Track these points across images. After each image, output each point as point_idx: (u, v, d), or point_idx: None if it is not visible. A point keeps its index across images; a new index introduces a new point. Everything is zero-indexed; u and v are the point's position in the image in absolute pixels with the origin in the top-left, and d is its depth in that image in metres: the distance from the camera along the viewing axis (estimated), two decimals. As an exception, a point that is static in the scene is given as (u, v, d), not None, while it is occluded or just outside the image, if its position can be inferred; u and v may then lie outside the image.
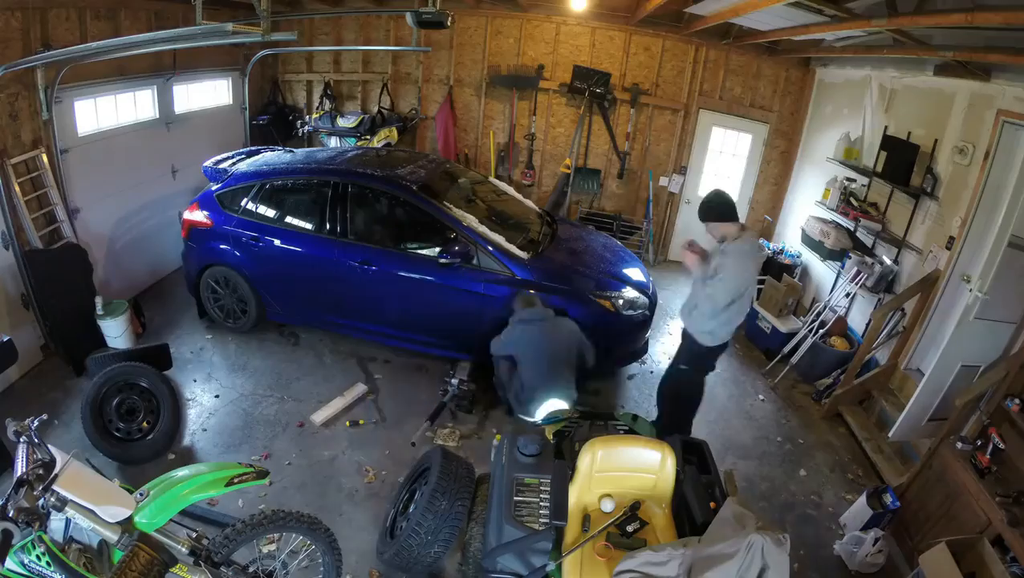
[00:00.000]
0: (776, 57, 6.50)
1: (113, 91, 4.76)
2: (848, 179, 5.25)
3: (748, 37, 5.95)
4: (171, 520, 2.12)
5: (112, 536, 1.94)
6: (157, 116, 5.29)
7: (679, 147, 7.04)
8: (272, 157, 4.99)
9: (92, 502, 1.89)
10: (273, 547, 2.81)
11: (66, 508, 1.85)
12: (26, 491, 1.78)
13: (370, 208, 4.51)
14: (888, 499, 3.36)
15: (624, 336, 4.36)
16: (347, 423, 4.03)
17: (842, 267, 5.17)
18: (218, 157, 4.99)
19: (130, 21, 4.77)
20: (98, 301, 4.31)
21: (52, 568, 1.82)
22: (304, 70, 7.18)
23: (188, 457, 3.63)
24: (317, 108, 7.12)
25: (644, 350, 4.67)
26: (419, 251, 4.32)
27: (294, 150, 5.34)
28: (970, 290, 3.70)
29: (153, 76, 5.11)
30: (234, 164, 4.85)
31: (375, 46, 6.92)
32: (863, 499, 3.44)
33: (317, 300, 4.59)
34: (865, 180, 5.07)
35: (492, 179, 5.64)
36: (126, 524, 1.99)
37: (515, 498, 2.52)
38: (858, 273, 4.77)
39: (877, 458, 4.04)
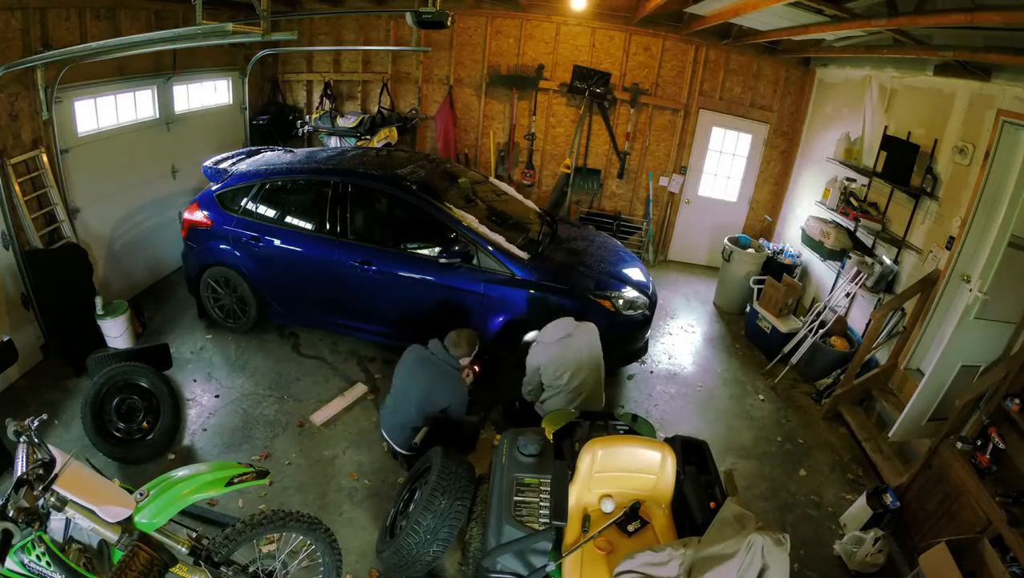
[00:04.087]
0: (776, 57, 6.50)
1: (113, 91, 4.76)
2: (848, 179, 5.25)
3: (748, 37, 5.96)
4: (171, 520, 2.12)
5: (112, 536, 1.94)
6: (157, 116, 5.29)
7: (679, 147, 7.04)
8: (272, 157, 4.98)
9: (92, 502, 1.89)
10: (273, 547, 2.81)
11: (66, 508, 1.86)
12: (26, 491, 1.79)
13: (370, 208, 4.51)
14: (888, 499, 3.36)
15: (624, 336, 4.36)
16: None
17: (842, 267, 5.17)
18: (218, 157, 4.99)
19: (130, 21, 4.77)
20: (98, 301, 4.31)
21: (52, 568, 1.83)
22: (304, 70, 7.18)
23: (188, 457, 3.63)
24: (317, 108, 7.12)
25: (644, 350, 4.67)
26: (419, 251, 4.32)
27: (294, 150, 5.34)
28: (970, 290, 3.70)
29: (153, 76, 5.11)
30: (234, 164, 4.85)
31: (375, 46, 6.92)
32: (863, 499, 3.44)
33: (317, 300, 4.58)
34: (865, 180, 5.07)
35: (492, 179, 5.64)
36: (126, 524, 1.99)
37: (515, 498, 2.52)
38: (858, 273, 4.77)
39: (877, 458, 4.04)
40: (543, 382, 3.56)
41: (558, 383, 3.50)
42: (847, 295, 5.01)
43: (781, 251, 6.25)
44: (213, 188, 4.66)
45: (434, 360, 3.39)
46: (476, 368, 3.66)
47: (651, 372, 5.02)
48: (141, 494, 2.08)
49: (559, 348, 3.52)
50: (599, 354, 3.64)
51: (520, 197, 5.43)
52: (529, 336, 3.76)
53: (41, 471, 1.87)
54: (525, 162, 7.25)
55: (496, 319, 4.22)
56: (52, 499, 1.83)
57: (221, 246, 4.56)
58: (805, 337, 4.96)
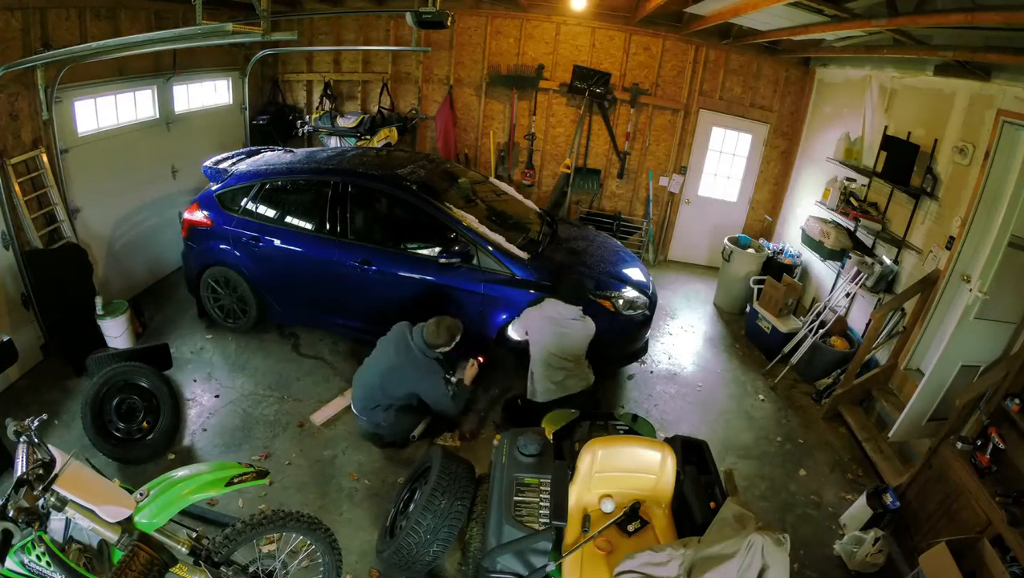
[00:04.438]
0: (776, 57, 6.50)
1: (113, 91, 4.76)
2: (848, 179, 5.25)
3: (748, 37, 5.96)
4: (171, 520, 2.12)
5: (112, 536, 1.94)
6: (157, 116, 5.29)
7: (679, 147, 7.04)
8: (272, 157, 4.98)
9: (92, 502, 1.89)
10: (273, 547, 2.81)
11: (66, 508, 1.85)
12: (26, 491, 1.79)
13: (370, 208, 4.51)
14: (888, 499, 3.36)
15: (624, 336, 4.36)
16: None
17: (842, 267, 5.17)
18: (218, 157, 4.99)
19: (130, 21, 4.77)
20: (98, 301, 4.31)
21: (52, 568, 1.83)
22: (304, 70, 7.18)
23: (188, 457, 3.63)
24: (317, 108, 7.12)
25: (644, 350, 4.67)
26: (419, 251, 4.32)
27: (294, 150, 5.34)
28: (970, 290, 3.70)
29: (153, 76, 5.11)
30: (234, 164, 4.85)
31: (375, 46, 6.92)
32: (863, 499, 3.44)
33: (317, 300, 4.58)
34: (865, 180, 5.07)
35: (492, 179, 5.64)
36: (126, 524, 1.99)
37: (515, 498, 2.52)
38: (858, 273, 4.77)
39: (877, 458, 4.04)
40: (527, 342, 3.70)
41: (544, 355, 3.64)
42: (847, 295, 5.01)
43: (781, 251, 6.25)
44: (213, 188, 4.66)
45: (410, 344, 3.46)
46: (480, 359, 3.74)
47: (651, 372, 5.02)
48: (141, 494, 2.08)
49: (561, 327, 3.66)
50: (579, 345, 3.79)
51: (520, 197, 5.43)
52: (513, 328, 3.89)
53: (41, 471, 1.86)
54: (525, 162, 7.25)
55: (496, 319, 4.22)
56: (52, 499, 1.83)
57: (221, 246, 4.56)
58: (805, 337, 4.96)
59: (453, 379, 3.69)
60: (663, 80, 6.81)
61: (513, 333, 3.80)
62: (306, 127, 6.96)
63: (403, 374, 3.49)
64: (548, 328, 3.65)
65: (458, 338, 3.56)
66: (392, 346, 3.55)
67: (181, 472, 2.20)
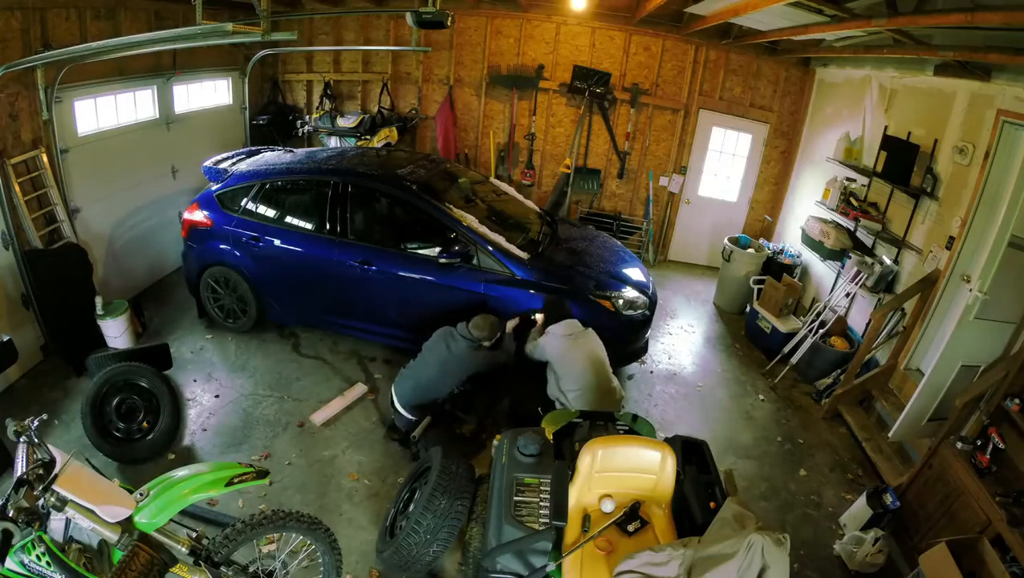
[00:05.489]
0: (776, 57, 6.50)
1: (113, 91, 4.76)
2: (848, 179, 5.25)
3: (748, 37, 5.96)
4: (171, 520, 2.12)
5: (112, 536, 1.94)
6: (157, 116, 5.29)
7: (679, 147, 7.04)
8: (272, 157, 4.98)
9: (92, 502, 1.89)
10: (273, 547, 2.81)
11: (66, 508, 1.85)
12: (26, 491, 1.79)
13: (370, 208, 4.51)
14: (888, 499, 3.36)
15: (624, 336, 4.36)
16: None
17: (842, 267, 5.17)
18: (218, 157, 4.99)
19: (130, 21, 4.77)
20: (98, 301, 4.31)
21: (52, 568, 1.82)
22: (304, 70, 7.18)
23: (188, 457, 3.64)
24: (317, 108, 7.12)
25: (644, 350, 4.67)
26: (419, 251, 4.32)
27: (294, 150, 5.34)
28: (970, 290, 3.70)
29: (153, 76, 5.11)
30: (234, 164, 4.85)
31: (375, 46, 6.92)
32: (863, 499, 3.44)
33: (317, 300, 4.58)
34: (865, 180, 5.07)
35: (492, 179, 5.64)
36: (126, 524, 1.99)
37: (515, 498, 2.52)
38: (858, 273, 4.77)
39: (877, 458, 4.04)
40: (556, 374, 3.66)
41: (570, 375, 3.57)
42: (847, 295, 5.01)
43: (781, 251, 6.25)
44: (213, 188, 4.66)
45: (456, 336, 3.65)
46: (518, 319, 3.95)
47: (651, 372, 5.02)
48: (141, 494, 2.08)
49: (570, 342, 3.65)
50: (604, 354, 3.74)
51: (520, 197, 5.43)
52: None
53: (41, 471, 1.86)
54: (525, 162, 7.25)
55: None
56: (52, 499, 1.83)
57: (221, 246, 4.56)
58: (805, 337, 4.96)
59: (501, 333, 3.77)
60: (663, 80, 6.81)
61: (537, 356, 3.83)
62: (306, 127, 6.95)
63: (456, 363, 3.61)
64: (565, 344, 3.66)
65: (499, 334, 3.71)
66: (442, 343, 3.68)
67: (181, 472, 2.20)
